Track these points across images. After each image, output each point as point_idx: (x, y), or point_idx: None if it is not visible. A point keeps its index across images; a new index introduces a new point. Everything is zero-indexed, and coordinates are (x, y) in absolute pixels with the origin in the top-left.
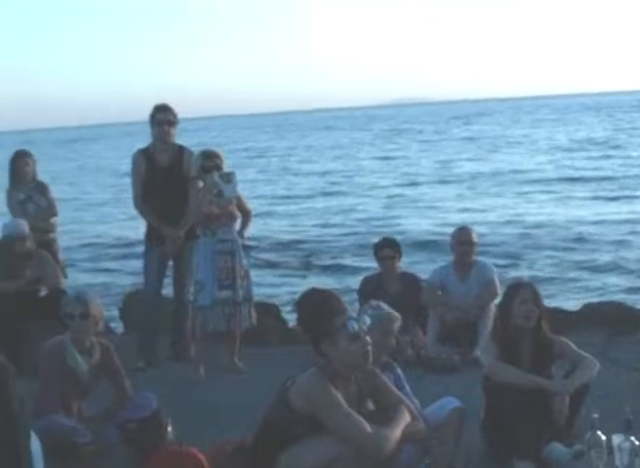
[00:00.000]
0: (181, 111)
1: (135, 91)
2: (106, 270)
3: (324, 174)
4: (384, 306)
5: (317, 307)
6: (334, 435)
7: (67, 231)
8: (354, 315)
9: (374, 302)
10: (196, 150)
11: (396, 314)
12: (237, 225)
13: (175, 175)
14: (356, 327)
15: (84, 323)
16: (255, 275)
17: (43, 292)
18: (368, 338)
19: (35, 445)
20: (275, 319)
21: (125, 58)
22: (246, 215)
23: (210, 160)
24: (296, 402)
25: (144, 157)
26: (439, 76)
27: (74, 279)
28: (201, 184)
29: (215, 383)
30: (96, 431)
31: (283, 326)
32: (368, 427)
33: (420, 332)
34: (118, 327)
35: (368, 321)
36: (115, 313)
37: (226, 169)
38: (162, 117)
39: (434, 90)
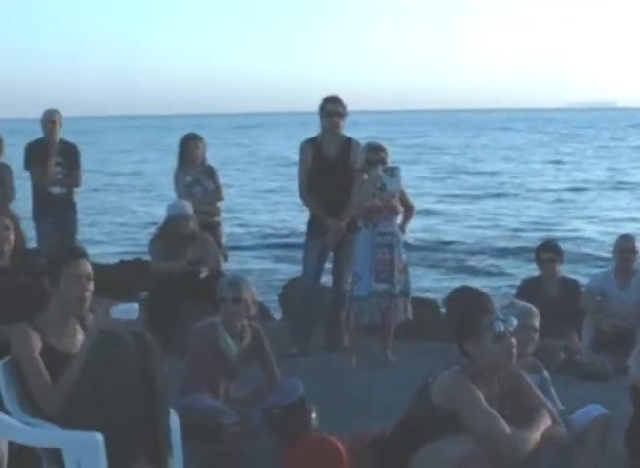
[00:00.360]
0: (352, 104)
1: (312, 81)
2: (268, 257)
3: (494, 174)
4: (520, 303)
5: (466, 305)
6: (472, 433)
7: (233, 217)
8: (501, 316)
9: (506, 301)
10: (364, 143)
11: (534, 309)
12: (399, 219)
13: (341, 166)
14: (502, 327)
15: (236, 307)
16: (415, 270)
17: (203, 274)
18: (513, 340)
19: (174, 422)
20: (433, 315)
21: (304, 50)
22: (408, 210)
23: (375, 153)
24: (436, 398)
25: (312, 147)
26: (624, 82)
27: (236, 263)
28: (366, 177)
29: (365, 375)
30: (241, 413)
31: (440, 322)
32: (507, 428)
33: (575, 338)
34: (277, 313)
35: (515, 322)
36: (275, 299)
37: (392, 163)
38: (332, 108)
39: (618, 96)
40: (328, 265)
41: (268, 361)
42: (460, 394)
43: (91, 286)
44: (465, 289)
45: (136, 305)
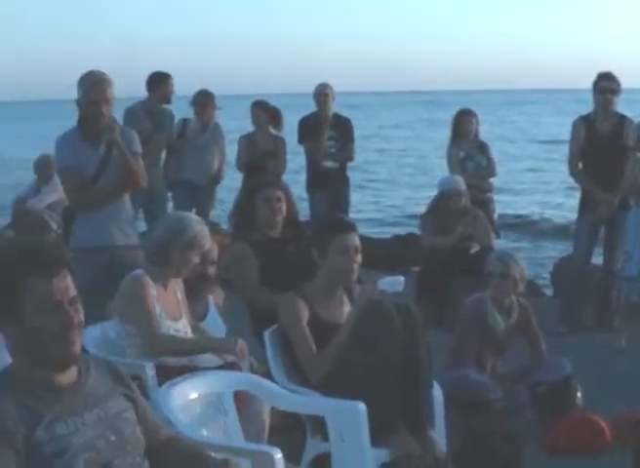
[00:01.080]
0: (627, 81)
1: (587, 58)
2: (539, 235)
3: None
4: None
5: None
6: None
7: (502, 195)
8: None
9: None
10: (637, 121)
11: None
12: None
13: (614, 144)
14: None
15: (503, 283)
16: None
17: (474, 250)
18: None
19: (437, 394)
20: None
21: (583, 27)
22: None
23: None
24: None
25: (585, 124)
26: None
27: (508, 240)
28: (638, 155)
29: (634, 354)
30: (507, 389)
31: None
32: None
33: None
34: (548, 290)
35: None
36: (546, 276)
37: None
38: (605, 85)
39: None
40: (599, 246)
41: (535, 338)
42: None
43: (359, 258)
44: None
45: (402, 278)
